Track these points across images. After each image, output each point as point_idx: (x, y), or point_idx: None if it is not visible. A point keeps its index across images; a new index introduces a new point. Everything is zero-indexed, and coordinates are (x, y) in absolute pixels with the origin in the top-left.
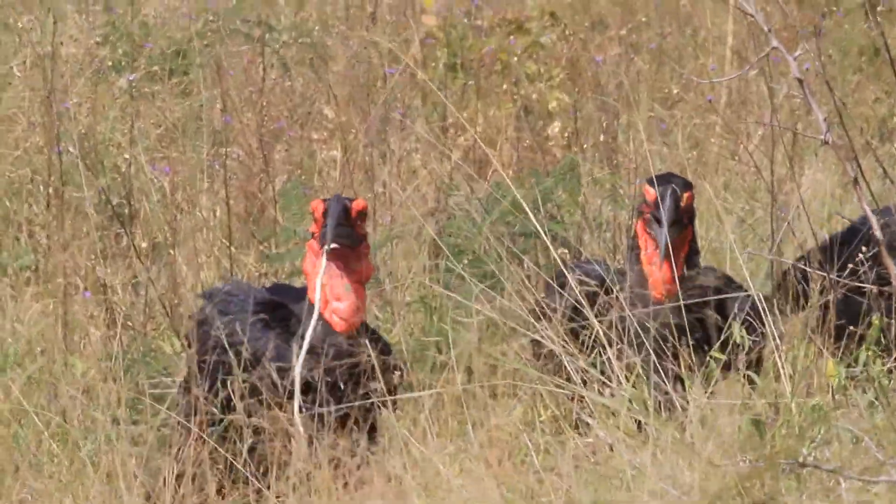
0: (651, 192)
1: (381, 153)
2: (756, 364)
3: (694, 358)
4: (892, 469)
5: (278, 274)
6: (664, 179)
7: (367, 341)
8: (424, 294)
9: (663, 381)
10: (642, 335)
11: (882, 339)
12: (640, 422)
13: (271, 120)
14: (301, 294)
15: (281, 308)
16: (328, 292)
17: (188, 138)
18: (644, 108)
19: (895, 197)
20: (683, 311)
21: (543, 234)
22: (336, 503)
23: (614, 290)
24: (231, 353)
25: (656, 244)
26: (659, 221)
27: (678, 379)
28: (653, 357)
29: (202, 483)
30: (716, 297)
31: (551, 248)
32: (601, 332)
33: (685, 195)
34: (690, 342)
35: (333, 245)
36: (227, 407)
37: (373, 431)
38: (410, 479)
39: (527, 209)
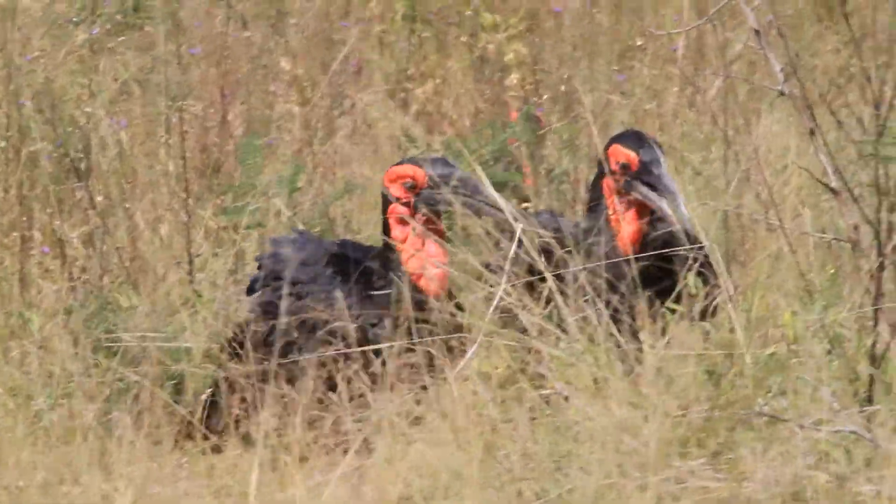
0: (629, 155)
1: (339, 106)
2: (712, 314)
3: (658, 308)
4: (846, 418)
5: (237, 228)
6: (637, 140)
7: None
8: None
9: (621, 334)
10: (597, 290)
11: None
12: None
13: (230, 73)
14: (370, 252)
15: (353, 262)
16: (424, 258)
17: (147, 92)
18: (603, 59)
19: (851, 148)
20: (650, 264)
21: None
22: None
23: (572, 243)
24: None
25: (628, 205)
26: (651, 186)
27: (637, 330)
28: (609, 309)
29: (158, 437)
30: (675, 250)
31: (501, 202)
32: (554, 287)
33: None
34: (653, 294)
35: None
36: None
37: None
38: (369, 433)
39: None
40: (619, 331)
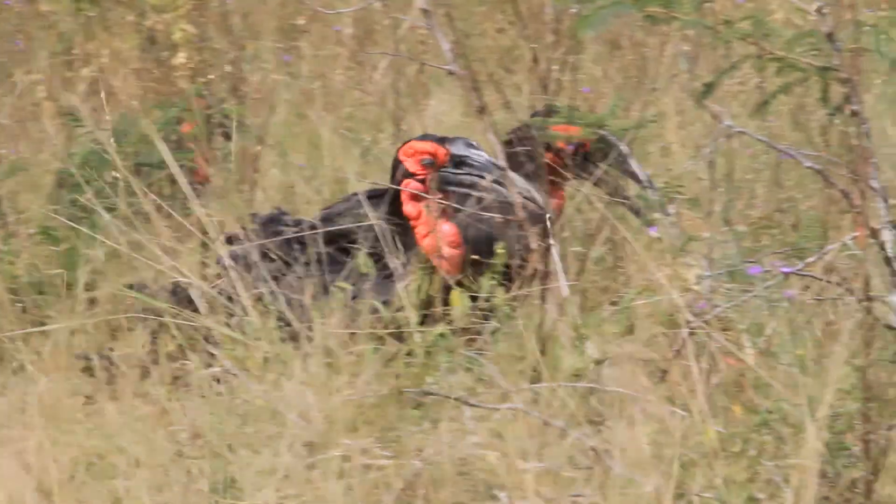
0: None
1: (3, 85)
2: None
3: None
4: (514, 396)
5: None
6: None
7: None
8: (49, 226)
9: (294, 312)
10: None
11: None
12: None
13: None
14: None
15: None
16: (439, 236)
17: None
18: (269, 38)
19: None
20: None
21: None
22: None
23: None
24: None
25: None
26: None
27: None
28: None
29: None
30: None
31: (179, 178)
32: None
33: None
34: None
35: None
36: None
37: None
38: (35, 410)
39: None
40: (292, 308)
